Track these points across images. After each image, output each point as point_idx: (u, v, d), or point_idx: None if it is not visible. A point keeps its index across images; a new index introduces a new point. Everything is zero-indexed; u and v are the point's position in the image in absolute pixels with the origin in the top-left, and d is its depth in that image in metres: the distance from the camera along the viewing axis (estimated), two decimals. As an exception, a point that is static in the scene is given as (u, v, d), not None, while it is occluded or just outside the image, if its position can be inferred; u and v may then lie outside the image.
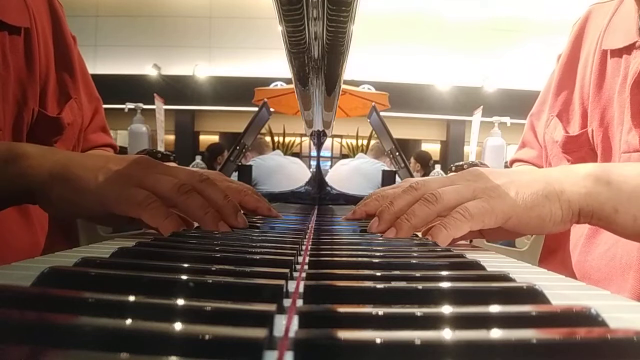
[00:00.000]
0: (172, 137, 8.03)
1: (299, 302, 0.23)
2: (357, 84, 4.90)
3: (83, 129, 0.75)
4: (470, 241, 0.60)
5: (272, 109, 1.39)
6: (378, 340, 0.15)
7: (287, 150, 4.87)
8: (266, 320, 0.18)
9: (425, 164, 3.92)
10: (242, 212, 0.50)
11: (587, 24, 0.72)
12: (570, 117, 0.71)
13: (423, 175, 3.41)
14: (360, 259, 0.32)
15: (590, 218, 0.46)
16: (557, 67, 0.76)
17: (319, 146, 1.20)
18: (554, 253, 0.74)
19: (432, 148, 8.22)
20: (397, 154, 1.27)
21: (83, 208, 0.46)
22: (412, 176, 1.26)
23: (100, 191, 0.44)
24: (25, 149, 0.47)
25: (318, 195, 1.22)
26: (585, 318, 0.19)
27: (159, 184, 0.45)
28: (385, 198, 0.55)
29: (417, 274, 0.27)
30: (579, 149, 0.68)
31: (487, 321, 0.19)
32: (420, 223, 0.46)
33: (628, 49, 0.61)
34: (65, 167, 0.46)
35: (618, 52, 0.63)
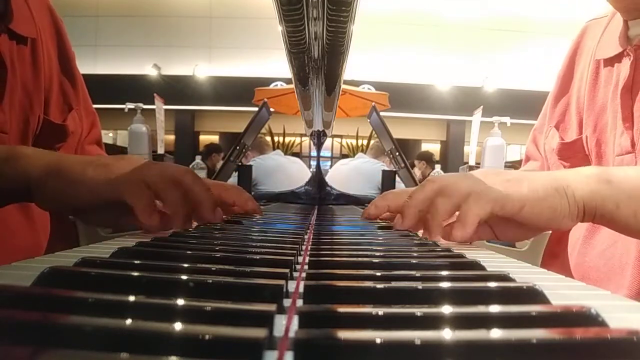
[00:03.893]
0: (172, 137, 8.03)
1: (299, 302, 0.23)
2: (357, 84, 4.90)
3: (82, 140, 0.78)
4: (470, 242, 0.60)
5: (272, 109, 1.39)
6: (378, 340, 0.15)
7: (287, 150, 4.87)
8: (266, 320, 0.18)
9: (429, 159, 4.11)
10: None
11: (583, 39, 0.75)
12: (567, 126, 0.74)
13: (430, 172, 3.53)
14: (360, 259, 0.32)
15: (594, 215, 0.48)
16: (555, 81, 0.79)
17: (319, 146, 1.20)
18: (555, 258, 0.76)
19: (432, 148, 8.21)
20: (397, 154, 1.27)
21: (76, 199, 0.48)
22: (412, 176, 1.26)
23: (90, 180, 0.47)
24: (21, 149, 0.50)
25: (318, 195, 1.22)
26: (585, 318, 0.19)
27: (145, 171, 0.47)
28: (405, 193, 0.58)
29: (417, 274, 0.27)
30: (574, 155, 0.70)
31: (487, 321, 0.19)
32: (444, 217, 0.47)
33: (618, 57, 0.64)
34: (58, 163, 0.48)
35: (610, 61, 0.66)
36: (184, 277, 0.23)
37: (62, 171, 0.47)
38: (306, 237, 0.47)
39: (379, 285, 0.23)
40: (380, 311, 0.19)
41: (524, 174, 0.50)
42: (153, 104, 3.81)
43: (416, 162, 4.22)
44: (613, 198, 0.46)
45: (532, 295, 0.23)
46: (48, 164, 0.48)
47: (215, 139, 8.07)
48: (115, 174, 0.47)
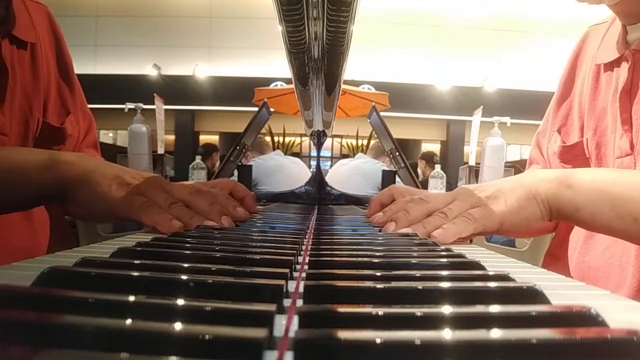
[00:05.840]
0: (172, 137, 8.02)
1: (299, 302, 0.23)
2: (357, 84, 4.89)
3: (78, 143, 0.80)
4: (471, 241, 0.61)
5: (272, 109, 1.39)
6: (378, 341, 0.15)
7: (287, 150, 4.87)
8: (266, 320, 0.18)
9: (429, 159, 4.23)
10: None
11: (584, 44, 0.76)
12: (569, 130, 0.75)
13: (430, 172, 3.57)
14: (360, 259, 0.32)
15: (559, 216, 0.53)
16: (557, 86, 0.80)
17: (319, 146, 1.20)
18: (557, 260, 0.77)
19: (432, 148, 8.20)
20: (397, 154, 1.28)
21: (97, 211, 0.51)
22: (412, 176, 1.26)
23: (109, 197, 0.50)
24: (64, 156, 0.53)
25: (318, 195, 1.22)
26: (585, 318, 0.19)
27: (156, 196, 0.51)
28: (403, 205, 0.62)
29: (417, 274, 0.27)
30: (574, 158, 0.72)
31: (487, 321, 0.19)
32: (413, 220, 0.52)
33: (617, 62, 0.65)
34: (90, 174, 0.51)
35: (610, 66, 0.67)
36: (184, 277, 0.23)
37: (90, 183, 0.50)
38: (306, 237, 0.47)
39: (379, 285, 0.23)
40: (380, 311, 0.19)
41: (500, 185, 0.54)
42: (153, 104, 3.81)
43: (418, 162, 4.27)
44: (572, 202, 0.51)
45: (532, 295, 0.23)
46: (82, 172, 0.50)
47: (215, 139, 8.07)
48: (128, 194, 0.49)
